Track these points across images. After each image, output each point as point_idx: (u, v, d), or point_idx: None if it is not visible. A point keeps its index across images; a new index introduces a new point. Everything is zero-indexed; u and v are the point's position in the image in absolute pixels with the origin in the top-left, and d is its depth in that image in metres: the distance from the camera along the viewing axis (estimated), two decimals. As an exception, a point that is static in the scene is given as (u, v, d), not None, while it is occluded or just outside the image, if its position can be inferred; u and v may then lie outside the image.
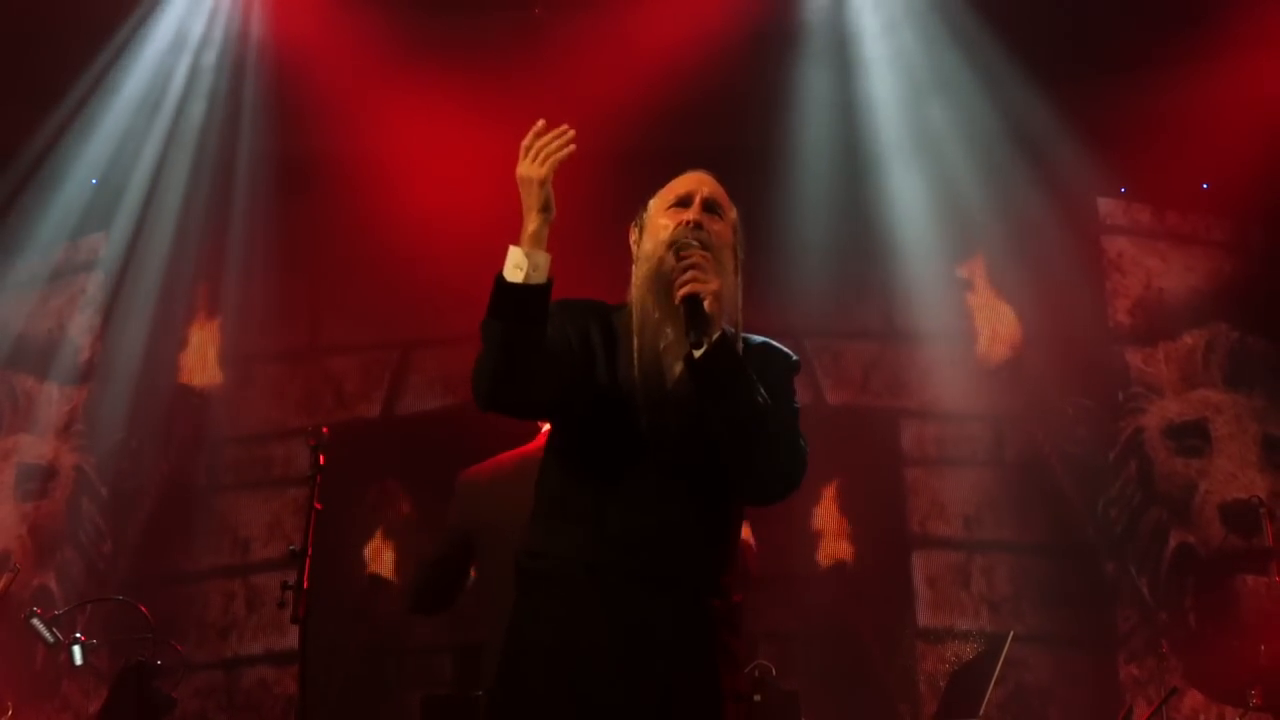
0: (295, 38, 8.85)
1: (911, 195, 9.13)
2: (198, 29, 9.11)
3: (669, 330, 3.55)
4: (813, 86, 9.01)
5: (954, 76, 8.97)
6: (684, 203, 3.67)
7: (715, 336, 3.44)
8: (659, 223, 3.67)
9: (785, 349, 3.81)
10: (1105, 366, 9.23)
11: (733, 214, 3.76)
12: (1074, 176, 9.01)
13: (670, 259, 3.53)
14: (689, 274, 3.47)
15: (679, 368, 3.53)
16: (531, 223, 3.43)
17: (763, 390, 3.50)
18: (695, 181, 3.73)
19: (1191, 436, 9.14)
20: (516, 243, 3.42)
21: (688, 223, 3.61)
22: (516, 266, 3.39)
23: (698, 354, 3.42)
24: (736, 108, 8.75)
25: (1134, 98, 8.82)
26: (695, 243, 3.54)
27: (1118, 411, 9.18)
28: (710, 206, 3.68)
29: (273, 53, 8.96)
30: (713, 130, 8.56)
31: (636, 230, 3.76)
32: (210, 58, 9.13)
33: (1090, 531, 9.05)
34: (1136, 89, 8.82)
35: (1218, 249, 9.43)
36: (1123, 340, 9.28)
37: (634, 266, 3.70)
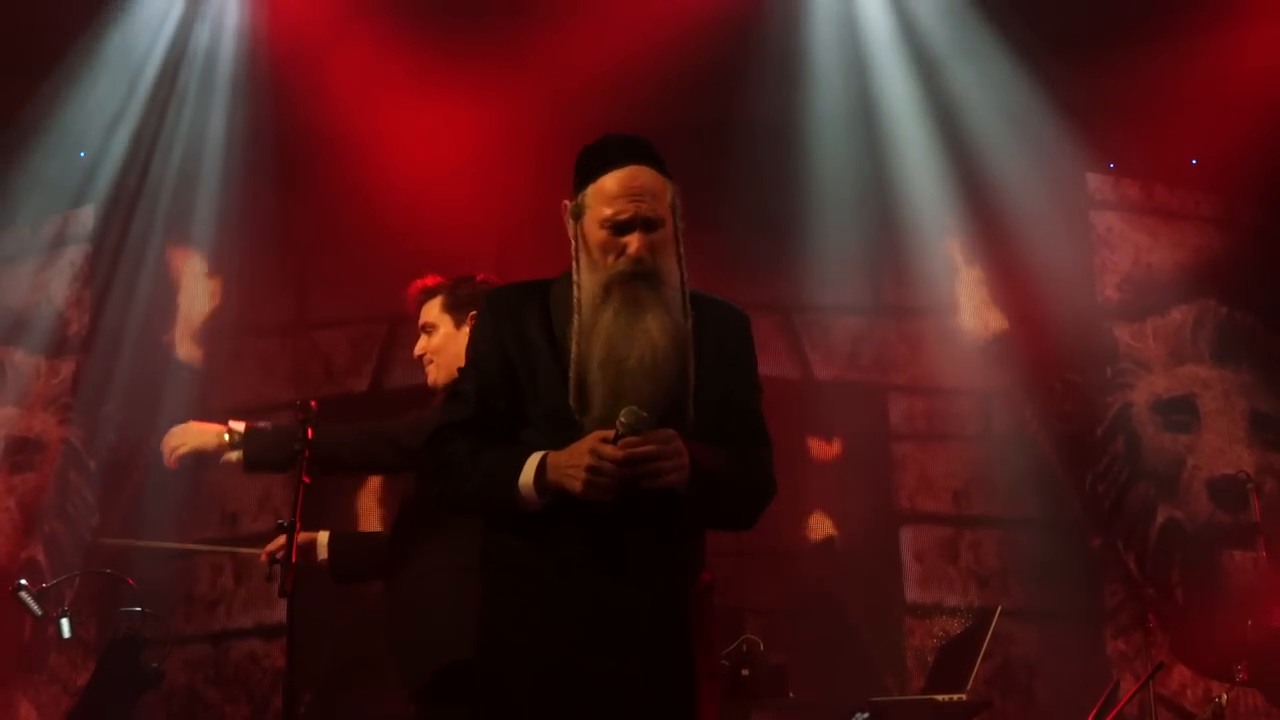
0: (282, 11, 8.83)
1: (899, 169, 9.12)
2: (186, 2, 9.11)
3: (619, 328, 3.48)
4: (799, 62, 8.99)
5: (942, 51, 8.96)
6: (623, 229, 3.51)
7: (690, 485, 3.41)
8: (600, 237, 3.53)
9: (733, 306, 3.73)
10: (1093, 342, 9.23)
11: (668, 198, 3.60)
12: (1062, 152, 8.99)
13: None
14: (643, 470, 3.35)
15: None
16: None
17: (732, 467, 3.52)
18: (633, 197, 3.53)
19: (1179, 412, 9.15)
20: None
21: (619, 253, 3.51)
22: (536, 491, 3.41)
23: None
24: (723, 82, 8.72)
25: (1123, 73, 8.81)
26: (633, 437, 3.36)
27: (1106, 387, 9.19)
28: (649, 225, 3.53)
29: (260, 26, 8.93)
30: (699, 104, 8.56)
31: (572, 217, 3.61)
32: (199, 31, 9.11)
33: (1078, 506, 9.06)
34: (1125, 64, 8.80)
35: (1206, 224, 9.43)
36: (1111, 316, 9.28)
37: (577, 256, 3.59)
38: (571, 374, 3.46)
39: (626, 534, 3.43)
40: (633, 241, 3.50)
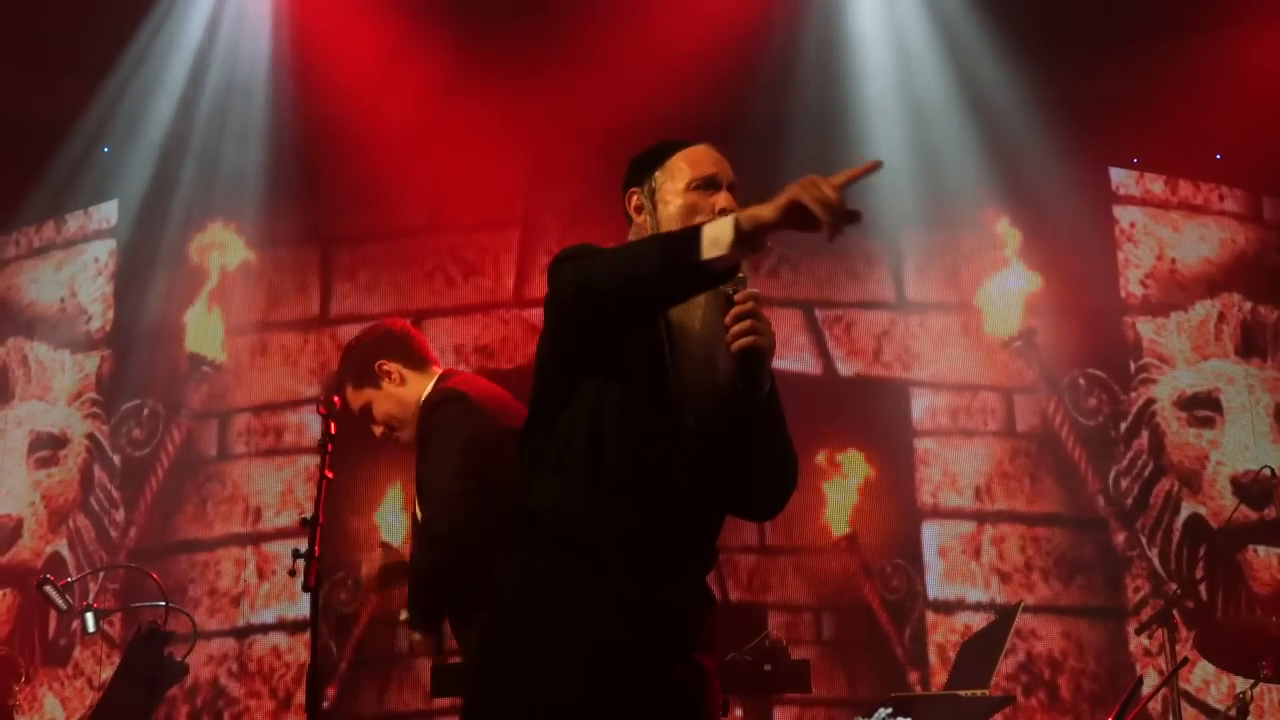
0: (309, 9, 8.86)
1: (924, 164, 9.11)
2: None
3: (713, 316, 3.35)
4: (828, 55, 8.99)
5: (966, 45, 8.95)
6: (711, 184, 3.47)
7: (766, 386, 3.34)
8: (685, 200, 3.46)
9: None
10: (1117, 337, 9.22)
11: None
12: (1086, 147, 8.98)
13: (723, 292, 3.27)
14: (747, 324, 3.24)
15: (720, 360, 3.36)
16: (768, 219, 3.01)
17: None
18: (716, 161, 3.52)
19: (1203, 407, 9.13)
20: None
21: (722, 211, 3.35)
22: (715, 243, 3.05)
23: (750, 401, 3.31)
24: (749, 77, 8.72)
25: (1147, 67, 8.80)
26: (751, 288, 3.28)
27: (1129, 382, 9.17)
28: (733, 188, 3.49)
29: (287, 23, 8.96)
30: (723, 103, 8.55)
31: (645, 199, 3.54)
32: (226, 27, 9.14)
33: (1101, 502, 9.05)
34: (1149, 58, 8.79)
35: (1231, 219, 9.40)
36: (1134, 311, 9.26)
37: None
38: (667, 350, 3.35)
39: (693, 532, 3.41)
40: (721, 198, 3.45)
